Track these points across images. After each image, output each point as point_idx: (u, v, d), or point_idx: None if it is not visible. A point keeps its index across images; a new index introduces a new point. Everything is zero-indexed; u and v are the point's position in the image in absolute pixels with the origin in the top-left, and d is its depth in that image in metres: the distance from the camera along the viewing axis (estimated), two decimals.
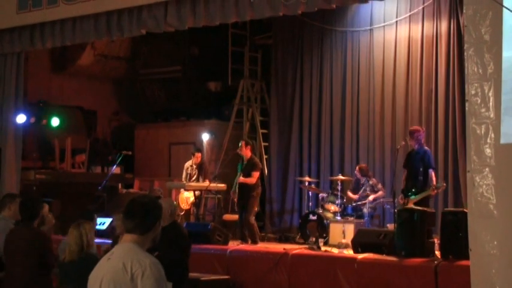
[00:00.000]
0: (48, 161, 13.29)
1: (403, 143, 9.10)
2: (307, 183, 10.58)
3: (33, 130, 12.21)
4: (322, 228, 9.60)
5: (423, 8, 10.33)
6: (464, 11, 5.95)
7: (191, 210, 10.92)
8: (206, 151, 12.67)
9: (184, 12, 8.22)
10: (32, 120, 11.94)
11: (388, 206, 9.68)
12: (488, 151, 5.58)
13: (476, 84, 5.68)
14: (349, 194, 10.12)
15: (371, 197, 9.74)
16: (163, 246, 5.23)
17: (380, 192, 9.86)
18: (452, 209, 8.53)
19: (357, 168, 10.20)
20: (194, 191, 10.62)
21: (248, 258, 8.38)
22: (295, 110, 11.83)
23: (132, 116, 15.02)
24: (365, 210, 9.67)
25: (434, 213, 7.98)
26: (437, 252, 7.43)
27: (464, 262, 6.36)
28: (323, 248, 8.55)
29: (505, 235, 5.47)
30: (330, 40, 11.50)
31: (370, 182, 9.97)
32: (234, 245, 9.07)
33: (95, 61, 13.98)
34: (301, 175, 11.24)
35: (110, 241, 6.75)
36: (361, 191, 9.97)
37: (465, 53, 5.82)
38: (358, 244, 7.96)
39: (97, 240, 6.43)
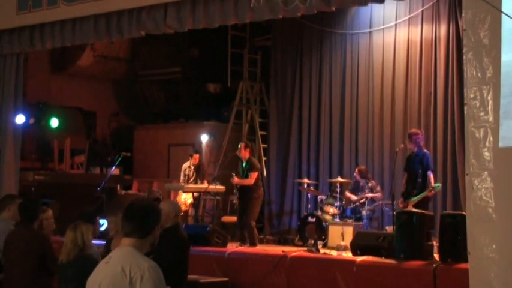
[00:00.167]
0: (47, 162, 13.29)
1: (402, 145, 9.12)
2: (306, 185, 10.59)
3: (32, 131, 12.21)
4: (321, 231, 9.60)
5: (422, 11, 10.35)
6: (463, 14, 5.96)
7: (189, 211, 10.92)
8: (205, 153, 12.67)
9: (184, 14, 8.22)
10: (31, 121, 11.95)
11: (387, 209, 9.69)
12: (487, 155, 5.58)
13: (475, 88, 5.68)
14: (348, 194, 10.13)
15: (369, 195, 9.74)
16: (163, 248, 5.24)
17: (378, 194, 9.86)
18: (451, 211, 8.54)
19: (356, 170, 10.21)
20: (193, 192, 10.62)
21: (247, 261, 8.37)
22: (294, 112, 11.84)
23: (132, 117, 15.03)
24: (364, 212, 9.68)
25: (433, 216, 7.99)
26: (436, 255, 7.43)
27: (463, 265, 6.35)
28: (322, 251, 8.54)
29: (503, 239, 5.47)
30: (329, 42, 11.51)
31: (369, 184, 9.98)
32: (233, 246, 9.07)
33: (94, 62, 13.99)
34: (300, 177, 11.24)
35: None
36: (360, 193, 9.97)
37: (464, 57, 5.82)
38: (357, 247, 7.96)
39: (99, 242, 6.43)
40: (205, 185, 10.47)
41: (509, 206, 5.49)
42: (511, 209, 5.46)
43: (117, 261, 3.23)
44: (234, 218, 10.81)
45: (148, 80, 14.77)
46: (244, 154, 9.62)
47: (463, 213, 6.38)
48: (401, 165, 9.63)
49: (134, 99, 14.98)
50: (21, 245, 5.57)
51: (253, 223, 9.48)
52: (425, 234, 7.47)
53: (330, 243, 9.19)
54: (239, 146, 9.80)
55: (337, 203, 9.89)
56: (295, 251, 8.55)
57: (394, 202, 8.80)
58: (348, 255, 8.12)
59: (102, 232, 9.29)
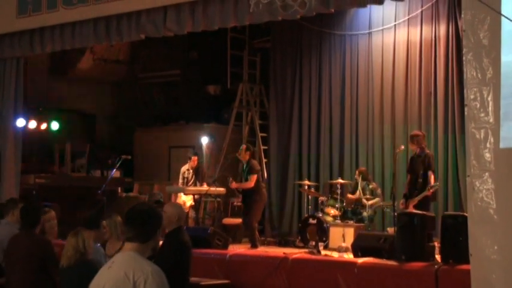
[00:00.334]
0: (48, 165, 13.30)
1: (402, 146, 9.12)
2: (306, 187, 10.58)
3: (33, 134, 12.21)
4: (322, 232, 9.59)
5: (421, 12, 10.34)
6: (462, 15, 5.96)
7: (189, 214, 10.91)
8: (205, 155, 12.67)
9: (183, 17, 8.24)
10: (32, 124, 11.96)
11: (388, 210, 9.68)
12: (487, 156, 5.58)
13: (475, 89, 5.68)
14: (349, 195, 10.14)
15: (369, 202, 9.75)
16: (165, 251, 5.24)
17: (377, 199, 9.86)
18: (452, 212, 8.54)
19: (357, 171, 10.21)
20: (194, 195, 10.62)
21: (248, 263, 8.36)
22: (294, 113, 11.84)
23: (132, 120, 15.02)
24: (365, 213, 9.67)
25: (434, 217, 7.96)
26: (438, 256, 7.43)
27: (464, 266, 6.33)
28: (323, 252, 8.54)
29: (505, 240, 5.47)
30: (328, 44, 11.51)
31: (370, 186, 9.97)
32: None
33: (94, 65, 14.00)
34: (301, 179, 11.24)
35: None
36: (360, 193, 9.97)
37: (464, 58, 5.83)
38: (358, 248, 7.95)
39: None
40: (205, 187, 10.46)
41: (511, 207, 5.49)
42: None
43: (119, 266, 3.24)
44: (235, 220, 10.80)
45: (148, 83, 14.78)
46: (244, 156, 9.64)
47: (465, 214, 6.38)
48: (401, 166, 9.64)
49: (134, 101, 14.99)
50: (22, 249, 5.57)
51: (255, 225, 9.48)
52: (427, 236, 7.46)
53: (331, 244, 9.19)
54: (240, 148, 9.82)
55: (338, 205, 9.89)
56: (296, 252, 8.53)
57: (395, 203, 8.80)
58: (349, 256, 8.11)
59: None
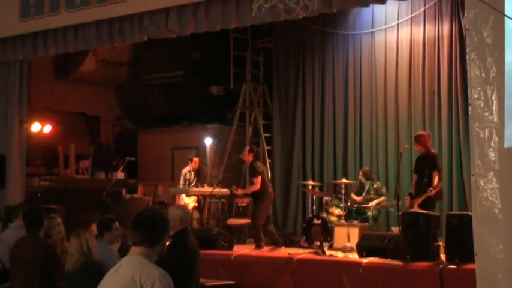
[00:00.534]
0: (52, 168, 13.32)
1: (407, 146, 9.12)
2: (310, 187, 10.57)
3: (37, 137, 12.23)
4: (326, 232, 9.57)
5: (424, 10, 10.33)
6: (465, 14, 5.95)
7: (193, 215, 10.89)
8: (209, 155, 12.68)
9: (186, 18, 8.24)
10: (36, 127, 11.97)
11: (393, 209, 9.67)
12: (492, 155, 5.57)
13: (479, 88, 5.67)
14: (353, 196, 10.13)
15: (374, 202, 9.73)
16: (169, 255, 5.23)
17: (383, 197, 9.85)
18: (457, 212, 8.54)
19: (360, 172, 10.20)
20: (198, 196, 10.61)
21: (253, 264, 8.37)
22: (297, 113, 11.84)
23: (135, 121, 15.04)
24: (369, 213, 9.66)
25: (439, 216, 7.97)
26: (443, 256, 7.42)
27: (470, 266, 6.33)
28: (328, 252, 8.54)
29: (510, 239, 5.46)
30: (331, 43, 11.50)
31: (375, 186, 9.96)
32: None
33: (97, 67, 14.01)
34: (305, 179, 11.23)
35: None
36: (365, 193, 9.96)
37: (467, 57, 5.82)
38: (363, 248, 7.95)
39: None
40: (206, 188, 10.46)
41: None
42: None
43: (127, 270, 3.24)
44: (239, 221, 10.79)
45: (151, 84, 14.77)
46: (248, 158, 9.66)
47: (469, 213, 6.37)
48: (405, 166, 9.63)
49: (137, 103, 15.00)
50: (26, 253, 5.56)
51: (260, 223, 9.48)
52: (432, 235, 7.46)
53: (336, 244, 9.18)
54: (244, 149, 9.85)
55: (342, 205, 9.88)
56: (301, 253, 8.54)
57: (400, 203, 8.78)
58: (354, 256, 8.12)
59: None
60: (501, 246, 5.45)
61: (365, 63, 11.06)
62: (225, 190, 10.68)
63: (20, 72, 10.39)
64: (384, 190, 9.97)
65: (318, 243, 8.99)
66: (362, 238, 8.36)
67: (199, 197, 10.65)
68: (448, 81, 10.06)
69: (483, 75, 5.67)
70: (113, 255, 5.58)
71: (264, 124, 12.69)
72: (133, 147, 14.17)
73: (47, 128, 12.39)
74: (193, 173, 10.71)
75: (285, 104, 12.10)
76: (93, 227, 5.99)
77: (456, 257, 7.03)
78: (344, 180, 10.08)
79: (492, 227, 5.51)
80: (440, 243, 7.58)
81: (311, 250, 8.80)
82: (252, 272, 8.26)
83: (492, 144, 5.58)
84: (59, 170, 13.23)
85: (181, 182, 10.77)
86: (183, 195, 10.68)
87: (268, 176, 11.59)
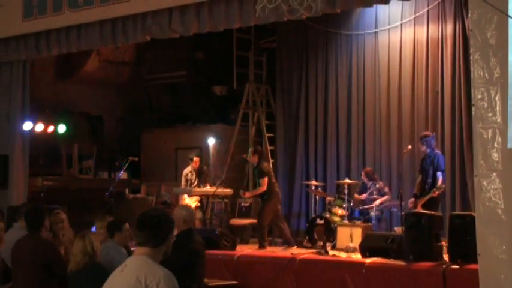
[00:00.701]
0: (56, 168, 13.32)
1: (410, 146, 9.12)
2: (313, 187, 10.57)
3: (40, 137, 12.24)
4: (329, 232, 9.57)
5: (428, 11, 10.32)
6: (469, 15, 5.94)
7: (196, 215, 10.89)
8: (212, 155, 12.67)
9: (189, 19, 8.24)
10: (39, 127, 11.98)
11: (396, 209, 9.67)
12: (495, 155, 5.56)
13: (482, 89, 5.66)
14: (356, 196, 10.13)
15: (377, 201, 9.73)
16: (172, 254, 5.23)
17: (386, 197, 9.85)
18: (460, 212, 8.52)
19: (363, 172, 10.20)
20: (201, 196, 10.61)
21: (256, 264, 8.37)
22: (301, 113, 11.84)
23: (138, 122, 15.04)
24: (372, 213, 9.65)
25: (442, 216, 7.97)
26: (446, 256, 7.41)
27: (473, 266, 6.33)
28: (331, 253, 8.54)
29: None
30: (334, 43, 11.49)
31: (377, 186, 9.96)
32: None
33: (100, 67, 14.01)
34: (308, 179, 11.23)
35: None
36: (368, 194, 9.96)
37: (471, 57, 5.80)
38: (365, 249, 7.95)
39: None
40: (208, 188, 10.46)
41: None
42: None
43: (132, 271, 3.25)
44: (242, 221, 10.79)
45: (154, 84, 14.78)
46: (253, 159, 9.70)
47: (472, 214, 6.37)
48: (408, 166, 9.61)
49: (140, 103, 15.01)
50: (26, 253, 5.57)
51: (265, 224, 9.48)
52: (435, 235, 7.45)
53: (339, 245, 9.18)
54: (248, 151, 9.87)
55: (345, 205, 9.88)
56: (303, 253, 8.54)
57: (403, 203, 8.78)
58: (356, 256, 8.11)
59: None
60: (504, 247, 5.44)
61: (368, 64, 11.05)
62: (228, 190, 10.68)
63: (22, 72, 10.40)
64: (386, 190, 9.96)
65: (321, 243, 8.99)
66: (365, 238, 8.36)
67: (202, 197, 10.65)
68: (451, 82, 10.05)
69: (487, 75, 5.66)
70: (122, 256, 5.58)
71: (267, 124, 12.69)
72: (136, 147, 14.19)
73: (50, 128, 12.38)
74: (194, 173, 10.71)
75: (288, 104, 12.10)
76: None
77: (459, 258, 7.03)
78: (347, 181, 10.08)
79: (495, 228, 5.50)
80: (443, 244, 7.57)
81: (314, 250, 8.80)
82: (255, 272, 8.26)
83: (495, 145, 5.57)
84: (62, 170, 13.24)
85: (183, 182, 10.76)
86: (185, 196, 10.68)
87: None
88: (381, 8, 10.63)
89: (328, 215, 9.86)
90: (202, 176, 10.71)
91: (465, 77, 9.63)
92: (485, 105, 5.62)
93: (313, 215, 10.34)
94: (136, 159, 11.63)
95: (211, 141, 12.69)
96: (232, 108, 13.42)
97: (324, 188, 11.00)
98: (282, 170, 11.99)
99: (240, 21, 7.95)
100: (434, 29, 10.27)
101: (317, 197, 10.61)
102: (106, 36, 9.00)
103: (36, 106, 11.66)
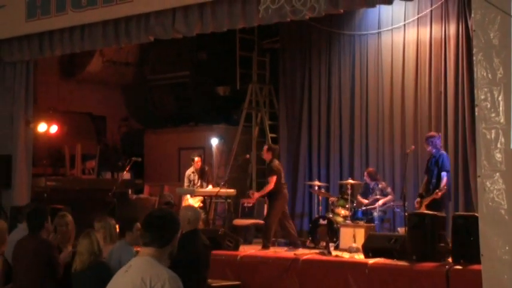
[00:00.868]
0: (59, 168, 13.35)
1: (413, 147, 9.11)
2: (316, 188, 10.57)
3: (43, 137, 12.27)
4: (332, 233, 9.57)
5: (431, 11, 10.30)
6: (472, 15, 5.94)
7: None
8: (215, 156, 12.68)
9: (192, 19, 8.26)
10: (42, 127, 12.00)
11: (399, 210, 9.66)
12: (498, 156, 5.56)
13: (485, 89, 5.66)
14: (360, 198, 10.11)
15: (380, 202, 9.73)
16: (177, 255, 5.23)
17: (389, 197, 9.84)
18: (463, 213, 8.51)
19: (365, 173, 10.19)
20: (204, 196, 10.62)
21: (259, 264, 8.38)
22: (304, 113, 11.83)
23: (141, 122, 15.06)
24: (375, 214, 9.65)
25: (445, 217, 7.95)
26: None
27: (476, 266, 6.32)
28: (334, 253, 8.53)
29: None
30: (337, 44, 11.49)
31: (380, 186, 9.95)
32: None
33: (103, 67, 14.04)
34: (311, 179, 11.23)
35: None
36: (371, 195, 9.95)
37: (474, 58, 5.80)
38: (369, 249, 7.95)
39: None
40: (210, 188, 10.46)
41: None
42: None
43: (137, 272, 3.23)
44: (245, 221, 10.79)
45: (157, 84, 14.79)
46: (267, 156, 9.73)
47: (476, 214, 6.36)
48: (411, 166, 9.59)
49: (143, 103, 15.02)
50: (28, 254, 5.58)
51: (272, 225, 9.46)
52: (438, 236, 7.45)
53: (342, 245, 9.17)
54: (263, 148, 9.92)
55: (348, 205, 9.87)
56: (306, 253, 8.54)
57: (406, 203, 8.77)
58: (360, 257, 8.11)
59: None
60: (507, 247, 5.44)
61: (371, 64, 11.05)
62: (231, 190, 10.69)
63: (26, 72, 10.43)
64: (389, 190, 9.96)
65: (324, 244, 8.99)
66: (368, 238, 8.36)
67: (205, 197, 10.65)
68: (454, 82, 10.04)
69: (490, 76, 5.66)
70: (132, 256, 5.57)
71: (270, 124, 12.69)
72: (139, 147, 14.20)
73: (53, 128, 12.40)
74: (196, 173, 10.72)
75: (291, 104, 12.10)
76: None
77: (462, 258, 7.02)
78: (350, 181, 10.07)
79: (498, 228, 5.50)
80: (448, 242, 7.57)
81: (317, 250, 8.80)
82: (258, 272, 8.27)
83: (498, 145, 5.57)
84: (65, 170, 13.26)
85: (186, 183, 10.76)
86: (188, 196, 10.68)
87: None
88: (384, 9, 10.61)
89: (331, 216, 9.86)
90: (204, 176, 10.71)
91: (468, 78, 9.61)
92: (489, 106, 5.62)
93: (316, 216, 10.35)
94: (140, 159, 11.64)
95: (214, 142, 12.70)
96: (235, 108, 13.42)
97: (327, 188, 11.00)
98: (285, 170, 11.93)
99: (243, 22, 7.97)
100: (437, 30, 10.26)
101: (320, 197, 10.61)
102: (109, 36, 9.02)
103: (39, 106, 11.70)
